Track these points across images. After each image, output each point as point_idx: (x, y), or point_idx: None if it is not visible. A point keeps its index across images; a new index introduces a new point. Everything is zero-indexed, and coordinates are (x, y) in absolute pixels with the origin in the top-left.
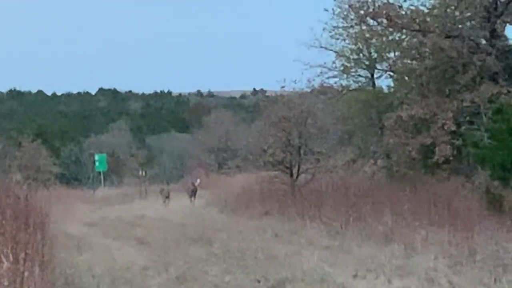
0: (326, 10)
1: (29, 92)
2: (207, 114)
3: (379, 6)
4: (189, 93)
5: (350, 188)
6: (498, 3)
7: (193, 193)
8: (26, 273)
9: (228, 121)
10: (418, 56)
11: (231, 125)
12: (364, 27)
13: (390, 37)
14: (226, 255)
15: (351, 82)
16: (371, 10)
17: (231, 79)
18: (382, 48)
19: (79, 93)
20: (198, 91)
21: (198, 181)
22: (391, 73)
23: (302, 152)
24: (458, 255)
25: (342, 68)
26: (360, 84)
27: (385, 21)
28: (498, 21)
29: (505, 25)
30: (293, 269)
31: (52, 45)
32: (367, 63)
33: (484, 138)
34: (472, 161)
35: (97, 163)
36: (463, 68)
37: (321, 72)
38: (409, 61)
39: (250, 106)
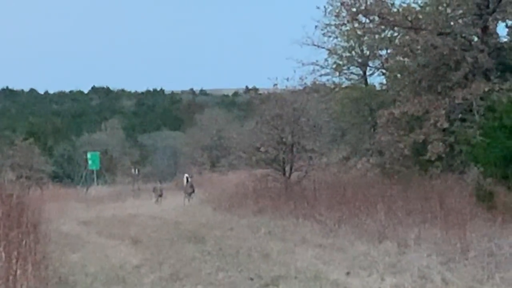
0: (318, 7)
1: (22, 91)
2: (200, 112)
3: (371, 3)
4: (182, 91)
5: (343, 185)
6: (490, 0)
7: (191, 190)
8: (19, 272)
9: (221, 119)
10: (410, 53)
11: (224, 123)
12: (356, 25)
13: (382, 35)
14: (219, 253)
15: (344, 79)
16: (363, 7)
17: (223, 77)
18: (374, 45)
19: (71, 92)
20: (191, 89)
21: (186, 178)
22: (384, 71)
23: (295, 149)
24: (451, 252)
25: (334, 65)
26: (352, 81)
27: (377, 18)
28: (490, 18)
29: (497, 23)
30: (287, 266)
31: (45, 44)
32: (359, 60)
33: (477, 136)
34: (464, 158)
35: (90, 162)
36: (455, 65)
37: (313, 70)
38: (401, 59)
39: (242, 104)
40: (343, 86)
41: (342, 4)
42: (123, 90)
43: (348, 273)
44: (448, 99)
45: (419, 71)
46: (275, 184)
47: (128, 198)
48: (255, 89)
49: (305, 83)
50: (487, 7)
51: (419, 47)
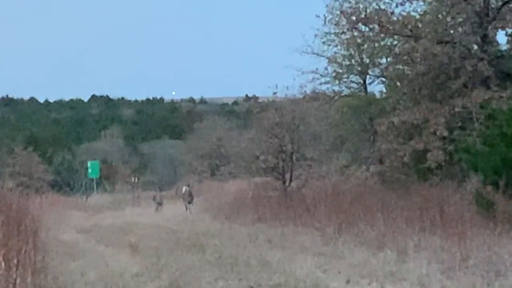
0: (318, 16)
1: (22, 100)
2: (199, 121)
3: (370, 12)
4: (181, 100)
5: (343, 194)
6: (490, 8)
7: (190, 198)
8: (18, 280)
9: (221, 127)
10: (410, 61)
11: (223, 132)
12: (356, 33)
13: (382, 43)
14: (218, 261)
15: (343, 88)
16: (362, 16)
17: (223, 86)
18: (374, 53)
19: (71, 100)
20: (191, 98)
21: (185, 188)
22: (383, 79)
23: (294, 158)
24: (451, 260)
25: (334, 74)
26: (352, 90)
27: (377, 27)
28: (490, 27)
29: (497, 31)
30: (286, 275)
31: (45, 52)
32: (359, 69)
33: (476, 144)
34: (464, 167)
35: (89, 170)
36: (455, 73)
37: (313, 78)
38: (401, 67)
39: (242, 113)
40: (343, 94)
41: (341, 12)
42: (122, 99)
43: (348, 282)
44: (447, 107)
45: (419, 79)
46: (274, 193)
47: (127, 206)
48: (255, 98)
49: (305, 92)
50: (487, 15)
51: (418, 55)
